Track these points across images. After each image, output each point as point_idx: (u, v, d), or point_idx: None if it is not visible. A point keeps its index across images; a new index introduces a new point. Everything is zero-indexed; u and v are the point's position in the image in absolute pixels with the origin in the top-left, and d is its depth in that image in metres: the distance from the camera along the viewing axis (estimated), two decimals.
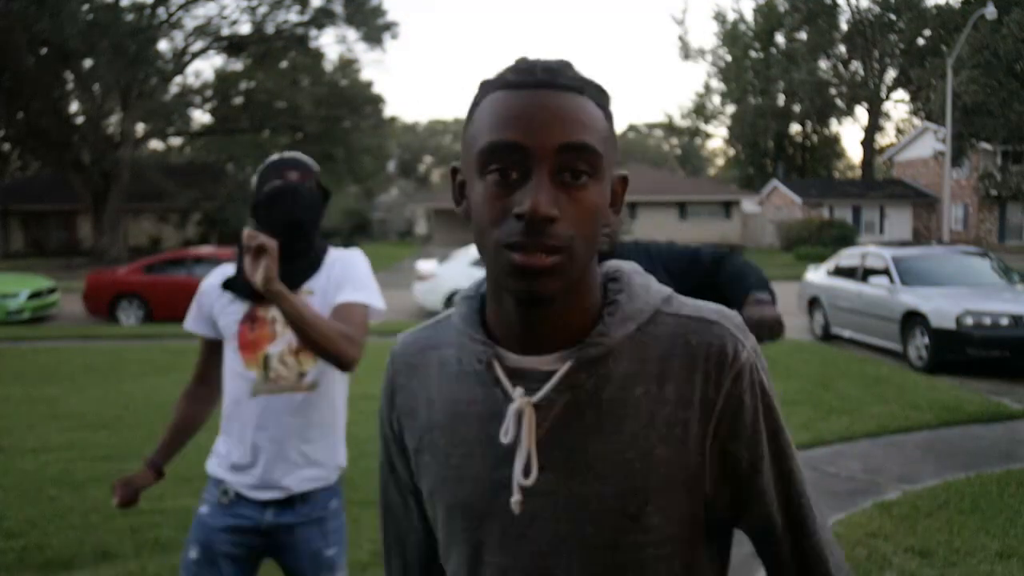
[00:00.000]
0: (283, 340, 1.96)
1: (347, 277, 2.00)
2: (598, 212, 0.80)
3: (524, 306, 0.82)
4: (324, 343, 1.82)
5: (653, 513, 0.83)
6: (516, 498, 0.84)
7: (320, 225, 2.04)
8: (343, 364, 1.86)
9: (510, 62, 0.83)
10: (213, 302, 2.05)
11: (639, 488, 0.83)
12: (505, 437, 0.84)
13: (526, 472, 0.84)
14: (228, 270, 2.08)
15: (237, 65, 35.22)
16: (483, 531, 0.88)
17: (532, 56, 0.84)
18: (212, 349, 2.11)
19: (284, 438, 1.95)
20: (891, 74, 42.04)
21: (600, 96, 0.84)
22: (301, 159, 2.02)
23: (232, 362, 2.00)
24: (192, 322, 2.12)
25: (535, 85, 0.79)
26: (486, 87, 0.83)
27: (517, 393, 0.84)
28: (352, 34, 38.87)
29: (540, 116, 0.77)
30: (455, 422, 0.90)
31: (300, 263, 1.99)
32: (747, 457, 0.85)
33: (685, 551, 0.86)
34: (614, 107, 0.88)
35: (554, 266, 0.77)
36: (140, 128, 32.46)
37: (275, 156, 2.03)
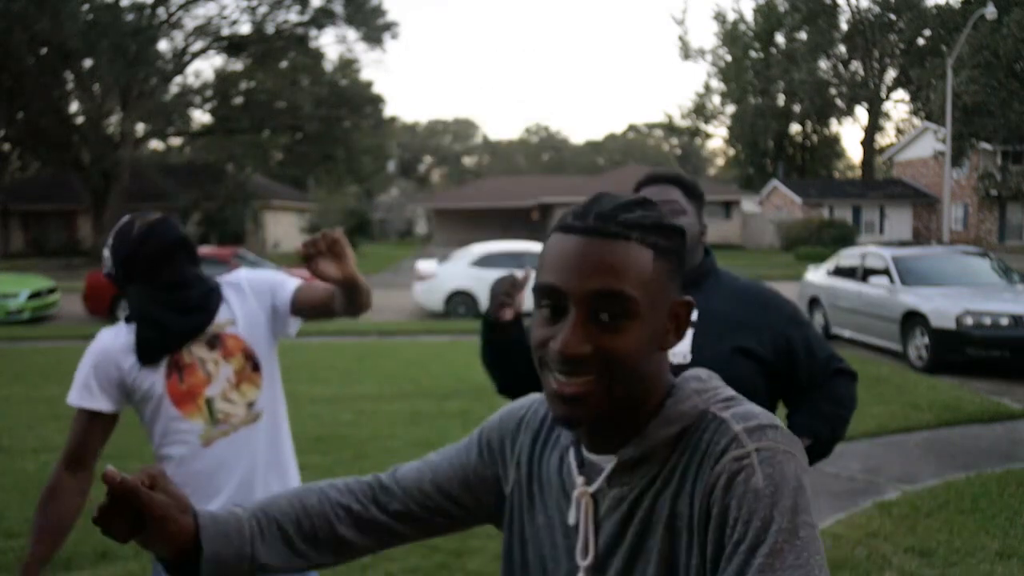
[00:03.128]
0: (220, 379, 1.86)
1: (268, 281, 1.97)
2: (639, 347, 0.86)
3: (563, 425, 0.91)
4: (367, 294, 1.81)
5: None
6: None
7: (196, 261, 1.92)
8: (367, 308, 1.86)
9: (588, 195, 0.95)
10: (120, 367, 1.86)
11: None
12: (571, 520, 0.95)
13: (584, 554, 0.93)
14: (119, 333, 1.90)
15: (237, 65, 35.23)
16: None
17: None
18: (100, 427, 1.88)
19: (250, 476, 1.88)
20: (891, 74, 42.06)
21: (653, 236, 0.88)
22: (149, 216, 1.88)
23: (165, 421, 1.86)
24: (87, 397, 1.86)
25: (583, 231, 0.87)
26: (557, 223, 0.92)
27: (579, 482, 0.94)
28: (352, 34, 38.93)
29: (579, 264, 0.86)
30: (544, 490, 1.01)
31: (204, 294, 1.88)
32: (731, 555, 0.80)
33: None
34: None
35: (585, 395, 0.86)
36: (140, 128, 32.47)
37: (122, 220, 1.89)
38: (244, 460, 1.87)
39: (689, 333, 1.78)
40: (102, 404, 1.86)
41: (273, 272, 2.03)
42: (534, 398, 1.11)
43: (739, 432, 0.84)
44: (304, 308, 1.95)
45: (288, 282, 1.99)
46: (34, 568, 1.79)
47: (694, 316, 1.78)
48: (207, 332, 1.88)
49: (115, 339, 1.89)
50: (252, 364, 1.90)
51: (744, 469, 0.81)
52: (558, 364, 0.86)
